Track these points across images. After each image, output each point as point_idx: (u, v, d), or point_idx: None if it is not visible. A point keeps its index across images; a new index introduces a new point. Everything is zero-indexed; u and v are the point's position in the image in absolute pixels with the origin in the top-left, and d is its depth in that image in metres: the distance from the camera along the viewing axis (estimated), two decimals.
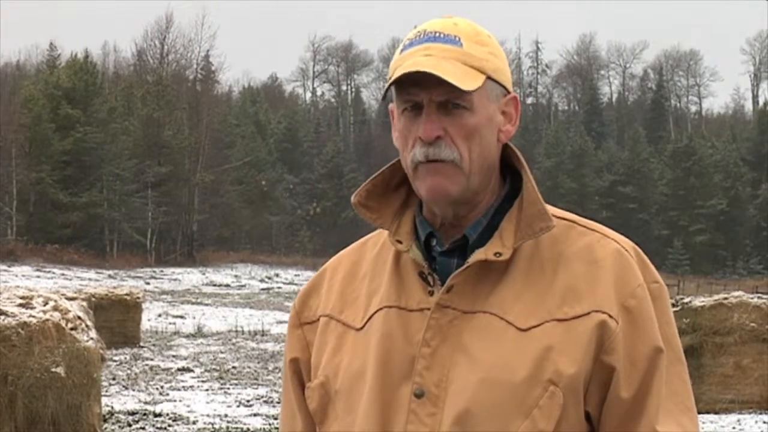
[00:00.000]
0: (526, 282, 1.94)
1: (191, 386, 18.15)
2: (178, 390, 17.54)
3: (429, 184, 1.95)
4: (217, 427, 13.71)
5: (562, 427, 1.89)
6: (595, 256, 1.95)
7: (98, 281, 53.45)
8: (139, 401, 15.87)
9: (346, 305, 2.08)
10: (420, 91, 1.93)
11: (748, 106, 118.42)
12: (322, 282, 2.19)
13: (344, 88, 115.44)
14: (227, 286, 61.75)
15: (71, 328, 10.09)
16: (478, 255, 1.94)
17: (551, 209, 1.99)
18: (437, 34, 1.96)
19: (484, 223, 1.99)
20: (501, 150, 2.03)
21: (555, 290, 1.92)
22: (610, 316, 1.90)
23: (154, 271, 66.22)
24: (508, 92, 2.02)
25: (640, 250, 1.99)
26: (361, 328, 2.03)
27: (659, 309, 1.95)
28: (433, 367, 1.93)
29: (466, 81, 1.91)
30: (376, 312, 2.02)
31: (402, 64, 1.94)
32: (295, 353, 2.15)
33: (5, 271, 53.51)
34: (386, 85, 1.97)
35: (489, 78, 1.96)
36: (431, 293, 1.97)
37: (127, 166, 73.21)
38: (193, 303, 44.08)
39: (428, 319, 1.95)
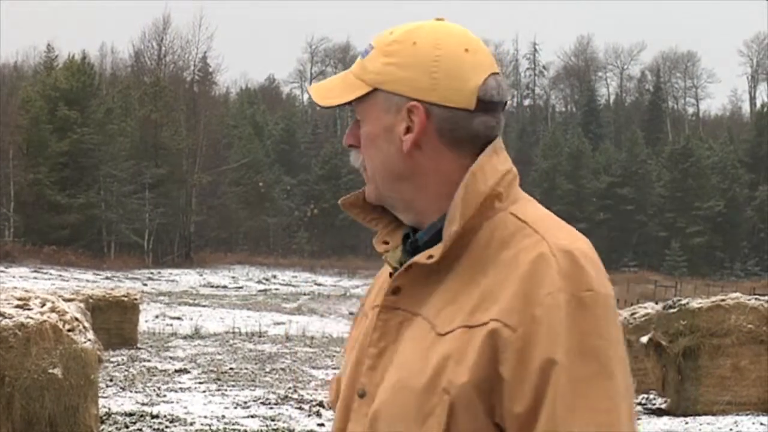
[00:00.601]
0: (461, 285, 1.93)
1: (188, 388, 18.14)
2: (176, 391, 17.52)
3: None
4: (214, 428, 13.70)
5: None
6: (518, 261, 1.89)
7: (95, 282, 53.40)
8: (137, 402, 15.86)
9: (368, 307, 2.15)
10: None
11: (746, 107, 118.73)
12: (375, 282, 2.24)
13: None
14: (225, 287, 61.72)
15: (68, 330, 10.08)
16: (414, 258, 1.97)
17: (524, 209, 1.97)
18: (368, 45, 2.05)
19: (438, 227, 1.99)
20: (443, 154, 1.99)
21: (475, 295, 1.91)
22: (506, 325, 1.84)
23: (152, 273, 66.20)
24: (412, 101, 1.99)
25: (579, 254, 1.87)
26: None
27: (585, 319, 1.82)
28: (377, 368, 1.98)
29: (336, 95, 2.03)
30: (370, 312, 2.09)
31: None
32: None
33: (2, 272, 53.48)
34: None
35: (378, 89, 2.00)
36: None
37: (125, 167, 73.21)
38: (190, 304, 44.06)
39: (375, 320, 2.01)
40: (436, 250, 1.95)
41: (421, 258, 1.96)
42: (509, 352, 1.83)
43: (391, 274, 2.04)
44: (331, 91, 2.04)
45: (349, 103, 2.03)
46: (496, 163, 1.99)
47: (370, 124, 2.01)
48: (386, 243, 2.08)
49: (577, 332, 1.82)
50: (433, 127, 1.98)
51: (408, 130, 1.98)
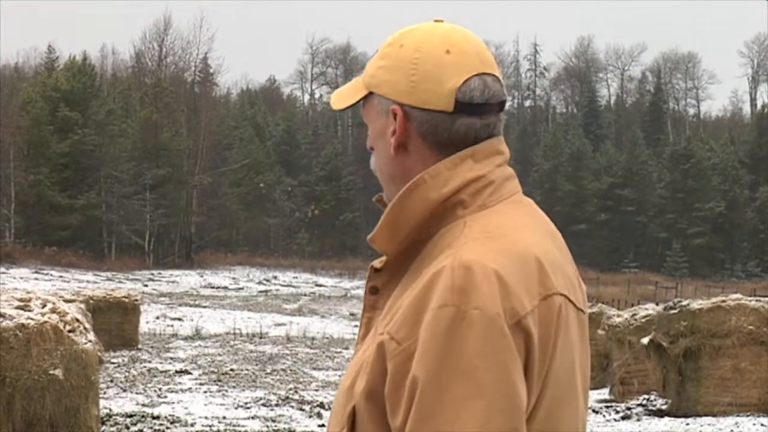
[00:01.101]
0: (401, 289, 1.95)
1: (189, 388, 18.15)
2: (176, 392, 17.53)
3: None
4: (214, 429, 13.70)
5: None
6: (426, 274, 1.87)
7: (96, 283, 53.40)
8: (137, 403, 15.87)
9: None
10: None
11: (746, 108, 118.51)
12: None
13: None
14: (225, 288, 61.71)
15: (69, 331, 10.09)
16: (372, 262, 2.04)
17: (486, 219, 1.93)
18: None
19: None
20: (429, 157, 1.99)
21: (395, 305, 1.92)
22: (393, 338, 1.84)
23: (152, 274, 66.20)
24: (394, 104, 2.00)
25: (478, 270, 1.82)
26: None
27: (462, 337, 1.78)
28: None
29: (343, 99, 2.09)
30: None
31: None
32: None
33: (3, 273, 53.45)
34: None
35: (372, 92, 2.03)
36: None
37: (126, 168, 73.21)
38: (191, 305, 44.07)
39: (362, 318, 2.05)
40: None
41: (375, 262, 2.02)
42: (391, 365, 1.83)
43: None
44: (342, 95, 2.10)
45: (353, 105, 2.08)
46: (463, 170, 1.96)
47: (371, 126, 2.06)
48: None
49: (454, 351, 1.78)
50: (415, 130, 1.98)
51: (394, 132, 2.00)
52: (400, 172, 2.01)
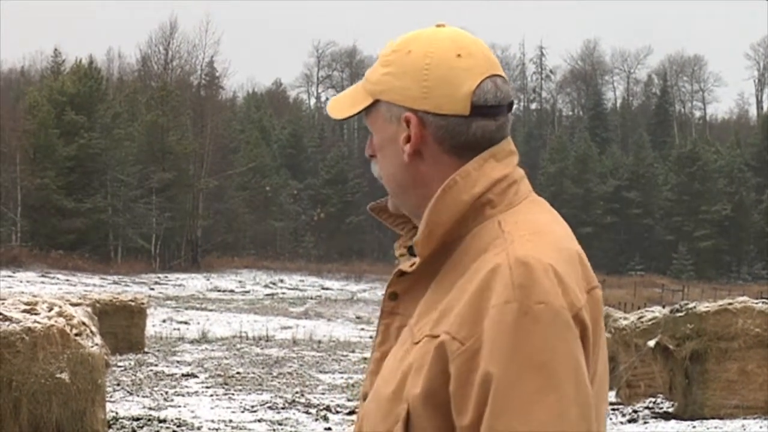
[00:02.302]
0: (436, 295, 1.94)
1: (196, 392, 18.16)
2: (183, 396, 17.54)
3: None
4: None
5: None
6: (477, 272, 1.88)
7: (103, 287, 53.45)
8: (144, 407, 15.88)
9: None
10: None
11: (753, 111, 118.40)
12: None
13: None
14: (231, 291, 61.76)
15: (76, 334, 10.10)
16: (401, 266, 2.00)
17: (511, 217, 1.95)
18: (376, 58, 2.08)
19: None
20: (444, 162, 1.99)
21: (443, 304, 1.91)
22: (454, 338, 1.84)
23: (159, 277, 66.24)
24: (407, 110, 1.99)
25: (536, 265, 1.83)
26: None
27: (530, 331, 1.79)
28: (377, 372, 2.01)
29: (346, 108, 2.06)
30: None
31: None
32: None
33: (10, 277, 53.54)
34: None
35: (379, 99, 2.02)
36: None
37: (132, 171, 73.29)
38: (197, 309, 44.11)
39: (378, 325, 2.04)
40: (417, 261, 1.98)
41: (405, 266, 1.99)
42: (455, 365, 1.82)
43: None
44: (342, 103, 2.07)
45: (358, 114, 2.06)
46: (488, 170, 1.97)
47: (377, 134, 2.04)
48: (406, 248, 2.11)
49: (523, 345, 1.78)
50: (431, 136, 1.98)
51: (408, 139, 1.98)
52: (414, 179, 2.01)
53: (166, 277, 66.89)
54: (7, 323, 9.79)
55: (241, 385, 19.35)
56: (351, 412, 15.66)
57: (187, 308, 43.85)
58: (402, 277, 2.00)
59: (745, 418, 14.56)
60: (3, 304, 10.33)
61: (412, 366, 1.88)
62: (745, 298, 16.30)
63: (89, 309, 11.96)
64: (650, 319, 17.11)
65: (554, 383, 1.77)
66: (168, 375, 20.50)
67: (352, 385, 19.61)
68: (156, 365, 22.22)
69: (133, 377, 19.83)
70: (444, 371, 1.84)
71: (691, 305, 15.74)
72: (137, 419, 14.29)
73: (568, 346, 1.80)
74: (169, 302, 47.45)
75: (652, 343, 15.60)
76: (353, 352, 27.88)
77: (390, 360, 1.97)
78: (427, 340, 1.88)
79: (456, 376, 1.82)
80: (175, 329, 32.97)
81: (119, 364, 21.26)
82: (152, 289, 57.89)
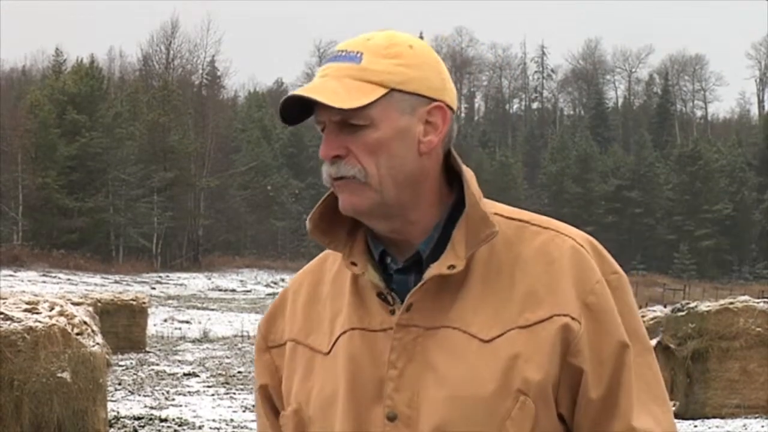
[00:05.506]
0: (485, 290, 1.91)
1: (197, 391, 18.16)
2: (184, 395, 17.55)
3: (341, 201, 1.93)
4: None
5: None
6: (551, 256, 1.91)
7: (104, 286, 53.43)
8: (145, 406, 15.88)
9: (311, 329, 2.06)
10: (321, 112, 1.91)
11: (754, 110, 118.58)
12: (285, 304, 2.16)
13: None
14: (233, 291, 61.76)
15: (77, 333, 10.10)
16: (432, 270, 1.90)
17: (503, 209, 1.97)
18: (340, 53, 1.94)
19: (436, 237, 1.95)
20: (439, 159, 1.96)
21: (514, 296, 1.89)
22: (573, 318, 1.87)
23: (160, 276, 66.23)
24: (433, 101, 1.93)
25: (596, 243, 1.96)
26: (328, 352, 2.00)
27: (621, 300, 1.93)
28: (402, 389, 1.91)
29: (349, 98, 1.87)
30: (340, 335, 1.99)
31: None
32: (264, 379, 2.16)
33: (11, 276, 53.53)
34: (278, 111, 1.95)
35: (395, 90, 1.90)
36: (392, 312, 1.94)
37: (133, 171, 73.27)
38: (198, 308, 44.11)
39: (392, 340, 1.93)
40: (457, 260, 1.90)
41: (442, 269, 1.90)
42: (582, 343, 1.88)
43: (380, 294, 1.95)
44: (339, 94, 1.88)
45: (371, 104, 1.90)
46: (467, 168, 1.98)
47: (381, 128, 1.90)
48: (354, 265, 1.98)
49: (626, 313, 1.93)
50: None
51: (429, 131, 1.92)
52: (421, 174, 1.94)
53: (168, 276, 66.88)
54: (8, 323, 9.79)
55: (242, 384, 19.35)
56: None
57: (188, 307, 43.84)
58: (422, 286, 1.91)
59: (746, 418, 14.56)
60: (4, 303, 10.33)
61: (516, 358, 1.87)
62: (746, 297, 16.31)
63: (90, 308, 11.96)
64: (652, 319, 17.10)
65: (648, 345, 1.98)
66: (169, 374, 20.50)
67: None
68: (157, 364, 22.23)
69: (135, 376, 19.84)
70: (563, 353, 1.88)
71: (692, 305, 15.75)
72: (138, 418, 14.30)
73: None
74: (170, 301, 47.45)
75: (653, 342, 15.59)
76: None
77: (447, 367, 1.89)
78: (518, 332, 1.88)
79: (586, 353, 1.88)
80: (176, 328, 32.96)
81: (120, 363, 21.27)
82: (153, 288, 57.88)
